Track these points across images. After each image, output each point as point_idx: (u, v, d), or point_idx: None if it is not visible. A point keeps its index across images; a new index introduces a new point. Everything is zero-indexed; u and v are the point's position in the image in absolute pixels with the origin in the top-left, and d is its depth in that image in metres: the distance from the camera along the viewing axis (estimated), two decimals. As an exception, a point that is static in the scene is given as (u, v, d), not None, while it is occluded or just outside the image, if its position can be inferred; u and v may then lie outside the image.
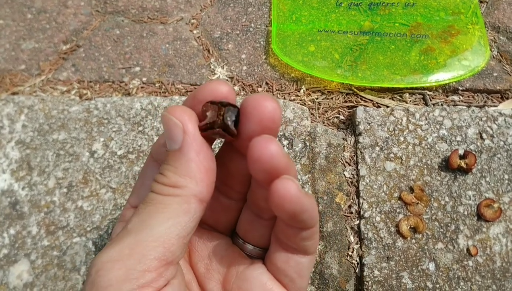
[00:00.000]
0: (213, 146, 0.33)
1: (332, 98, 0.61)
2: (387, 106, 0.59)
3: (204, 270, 0.40)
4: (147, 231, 0.30)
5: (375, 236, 0.51)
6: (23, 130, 0.57)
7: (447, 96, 0.61)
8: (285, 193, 0.30)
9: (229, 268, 0.41)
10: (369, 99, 0.61)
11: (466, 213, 0.52)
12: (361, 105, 0.60)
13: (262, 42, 0.66)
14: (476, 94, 0.61)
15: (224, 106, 0.30)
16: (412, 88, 0.61)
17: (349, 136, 0.58)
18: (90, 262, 0.49)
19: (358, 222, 0.52)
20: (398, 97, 0.61)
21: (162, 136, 0.37)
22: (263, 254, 0.40)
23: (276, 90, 0.62)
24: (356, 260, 0.51)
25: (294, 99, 0.61)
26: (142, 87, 0.63)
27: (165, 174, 0.32)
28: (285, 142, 0.55)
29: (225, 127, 0.30)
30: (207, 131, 0.30)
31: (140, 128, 0.57)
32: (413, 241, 0.51)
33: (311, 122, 0.58)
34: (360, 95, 0.61)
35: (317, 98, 0.61)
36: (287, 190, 0.30)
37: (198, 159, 0.31)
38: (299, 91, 0.62)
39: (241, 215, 0.42)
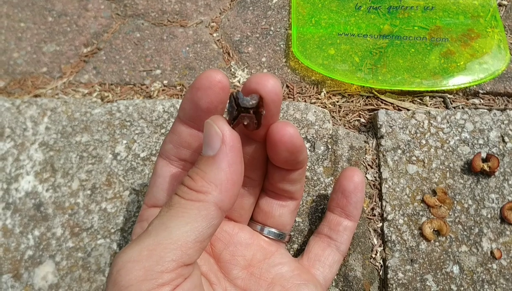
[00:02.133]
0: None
1: (352, 101, 0.62)
2: (408, 109, 0.60)
3: (230, 257, 0.42)
4: (166, 233, 0.31)
5: (399, 238, 0.51)
6: (46, 133, 0.58)
7: (467, 99, 0.61)
8: (286, 132, 0.36)
9: (255, 253, 0.42)
10: (389, 102, 0.61)
11: (489, 216, 0.52)
12: (381, 108, 0.60)
13: (282, 45, 0.66)
14: (496, 98, 0.61)
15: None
16: (432, 91, 0.61)
17: (371, 139, 0.58)
18: (112, 259, 0.49)
19: (381, 224, 0.53)
20: (418, 100, 0.61)
21: (170, 135, 0.38)
22: (284, 236, 0.45)
23: (297, 93, 0.62)
24: (380, 263, 0.51)
25: (314, 102, 0.61)
26: (163, 90, 0.63)
27: (193, 177, 0.33)
28: (308, 145, 0.56)
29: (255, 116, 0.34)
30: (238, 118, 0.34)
31: (163, 130, 0.57)
32: (437, 243, 0.51)
33: (333, 125, 0.59)
34: (381, 98, 0.61)
35: (337, 101, 0.62)
36: (288, 130, 0.36)
37: (229, 170, 0.33)
38: (319, 94, 0.62)
39: (258, 201, 0.44)
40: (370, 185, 0.55)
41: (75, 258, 0.51)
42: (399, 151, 0.55)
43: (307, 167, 0.54)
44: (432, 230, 0.51)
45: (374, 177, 0.55)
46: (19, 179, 0.55)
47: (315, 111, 0.58)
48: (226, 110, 0.36)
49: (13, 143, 0.57)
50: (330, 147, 0.56)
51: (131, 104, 0.60)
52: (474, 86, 0.62)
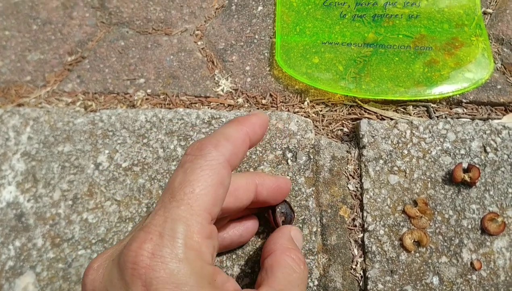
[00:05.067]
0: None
1: (336, 110, 0.62)
2: (391, 119, 0.60)
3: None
4: None
5: (379, 249, 0.51)
6: (28, 142, 0.58)
7: (451, 108, 0.61)
8: None
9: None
10: (373, 112, 0.61)
11: (470, 226, 0.52)
12: (365, 117, 0.60)
13: (266, 54, 0.66)
14: (480, 107, 0.61)
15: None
16: (416, 100, 0.61)
17: (353, 149, 0.58)
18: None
19: (362, 235, 0.53)
20: (402, 109, 0.61)
21: None
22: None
23: (280, 102, 0.62)
24: (360, 274, 0.51)
25: (298, 111, 0.61)
26: (146, 99, 0.63)
27: None
28: (289, 155, 0.56)
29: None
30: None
31: (145, 140, 0.57)
32: (417, 254, 0.51)
33: (315, 135, 0.59)
34: (364, 108, 0.61)
35: (321, 111, 0.62)
36: None
37: None
38: (303, 103, 0.62)
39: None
40: (351, 195, 0.55)
41: (55, 269, 0.51)
42: (381, 161, 0.55)
43: (289, 177, 0.54)
44: (412, 240, 0.51)
45: (356, 187, 0.55)
46: (1, 189, 0.55)
47: (297, 121, 0.58)
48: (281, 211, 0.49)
49: (-5, 153, 0.57)
50: (312, 157, 0.56)
51: (114, 114, 0.60)
52: (458, 96, 0.62)
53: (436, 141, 0.56)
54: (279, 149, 0.56)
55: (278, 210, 0.49)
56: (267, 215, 0.50)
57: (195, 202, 0.34)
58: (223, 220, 0.46)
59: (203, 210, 0.34)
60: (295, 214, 0.52)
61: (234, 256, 0.51)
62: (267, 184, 0.46)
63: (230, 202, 0.42)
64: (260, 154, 0.56)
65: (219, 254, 0.51)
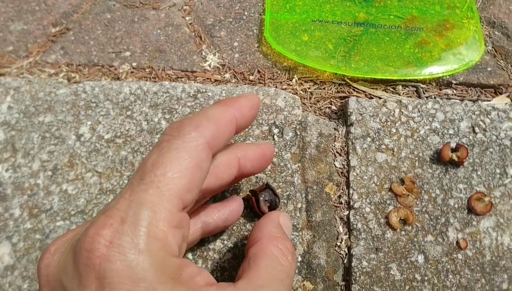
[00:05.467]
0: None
1: (324, 88, 0.61)
2: (380, 98, 0.59)
3: None
4: None
5: (364, 227, 0.50)
6: (8, 112, 0.56)
7: (440, 89, 0.61)
8: None
9: None
10: (362, 91, 0.60)
11: (456, 206, 0.51)
12: (353, 96, 0.59)
13: (255, 31, 0.65)
14: (469, 88, 0.61)
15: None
16: (405, 80, 0.61)
17: (341, 126, 0.57)
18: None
19: (347, 212, 0.52)
20: (391, 89, 0.61)
21: None
22: None
23: (268, 78, 0.61)
24: (345, 251, 0.50)
25: (286, 88, 0.60)
26: (132, 72, 0.62)
27: None
28: (276, 131, 0.55)
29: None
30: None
31: (129, 113, 0.56)
32: (403, 233, 0.50)
33: (303, 111, 0.58)
34: (353, 86, 0.61)
35: (309, 88, 0.61)
36: None
37: None
38: (291, 80, 0.61)
39: None
40: (338, 173, 0.54)
41: (32, 240, 0.49)
42: (369, 139, 0.54)
43: (275, 153, 0.53)
44: (398, 219, 0.50)
45: (342, 165, 0.54)
46: (-21, 159, 0.54)
47: (285, 97, 0.57)
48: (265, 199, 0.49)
49: (-27, 122, 0.56)
50: (298, 133, 0.55)
51: (98, 86, 0.58)
52: (448, 77, 0.61)
53: (425, 121, 0.55)
54: (265, 124, 0.55)
55: (261, 198, 0.48)
56: (251, 203, 0.49)
57: (166, 186, 0.31)
58: (203, 200, 0.43)
59: (174, 196, 0.31)
60: (280, 198, 0.51)
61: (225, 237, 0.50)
62: (250, 155, 0.43)
63: (211, 182, 0.39)
64: (246, 129, 0.55)
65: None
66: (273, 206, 0.49)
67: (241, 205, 0.47)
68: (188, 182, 0.32)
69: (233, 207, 0.46)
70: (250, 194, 0.49)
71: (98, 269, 0.28)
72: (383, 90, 0.60)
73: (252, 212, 0.50)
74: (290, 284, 0.37)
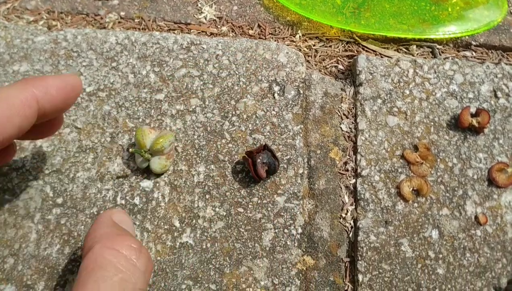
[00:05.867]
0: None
1: (331, 46, 0.55)
2: (391, 58, 0.53)
3: None
4: None
5: (373, 197, 0.45)
6: (-20, 59, 0.50)
7: (458, 51, 0.55)
8: None
9: None
10: (371, 50, 0.55)
11: (475, 177, 0.46)
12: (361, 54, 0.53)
13: (256, -18, 0.59)
14: (490, 51, 0.55)
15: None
16: (420, 40, 0.55)
17: (348, 87, 0.51)
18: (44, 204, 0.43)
19: (354, 180, 0.46)
20: (404, 49, 0.55)
21: None
22: None
23: (269, 34, 0.55)
24: (350, 223, 0.45)
25: (288, 45, 0.54)
26: (119, 22, 0.56)
27: None
28: (276, 88, 0.49)
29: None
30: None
31: (114, 64, 0.50)
32: (415, 204, 0.45)
33: (307, 69, 0.52)
34: (362, 45, 0.55)
35: (314, 45, 0.55)
36: None
37: None
38: (294, 36, 0.56)
39: None
40: (344, 137, 0.48)
41: (0, 200, 0.44)
42: (379, 101, 0.49)
43: (275, 113, 0.48)
44: (411, 189, 0.45)
45: (350, 128, 0.49)
46: None
47: (287, 53, 0.51)
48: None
49: None
50: (301, 92, 0.49)
51: (80, 34, 0.52)
52: (466, 37, 0.55)
53: (442, 83, 0.50)
54: (265, 81, 0.50)
55: (259, 160, 0.43)
56: (247, 166, 0.44)
57: None
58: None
59: None
60: (279, 162, 0.45)
61: (207, 196, 0.44)
62: (52, 92, 0.35)
63: (5, 130, 0.32)
64: (244, 85, 0.49)
65: (189, 193, 0.44)
66: (271, 170, 0.44)
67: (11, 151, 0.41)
68: None
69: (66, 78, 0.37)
70: (246, 155, 0.44)
71: None
72: (395, 50, 0.55)
73: (248, 176, 0.45)
74: (142, 289, 0.31)
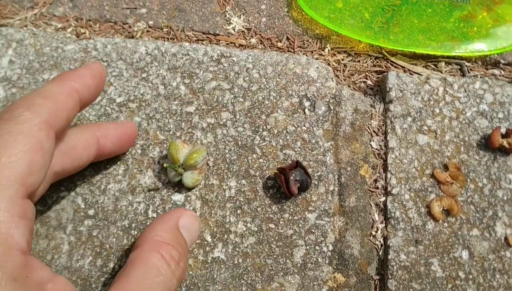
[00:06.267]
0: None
1: (359, 61, 0.55)
2: (420, 74, 0.53)
3: None
4: None
5: (403, 215, 0.45)
6: (9, 67, 0.50)
7: (486, 69, 0.55)
8: None
9: None
10: (400, 66, 0.55)
11: (505, 198, 0.46)
12: (391, 71, 0.53)
13: (284, -7, 0.59)
14: (519, 70, 0.55)
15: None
16: (448, 57, 0.55)
17: (378, 103, 0.51)
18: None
19: (384, 198, 0.46)
20: (432, 66, 0.55)
21: None
22: None
23: (298, 46, 0.55)
24: (380, 241, 0.45)
25: (317, 58, 0.55)
26: (147, 31, 0.56)
27: None
28: (307, 103, 0.49)
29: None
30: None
31: (144, 75, 0.50)
32: (445, 224, 0.45)
33: (336, 84, 0.52)
34: (391, 61, 0.55)
35: (342, 60, 0.55)
36: None
37: None
38: (323, 50, 0.56)
39: None
40: (374, 154, 0.48)
41: (32, 211, 0.44)
42: (409, 119, 0.49)
43: (305, 129, 0.48)
44: (441, 208, 0.45)
45: (379, 145, 0.49)
46: (-25, 117, 0.48)
47: (317, 67, 0.51)
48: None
49: (-30, 75, 0.50)
50: (332, 107, 0.49)
51: (110, 43, 0.52)
52: (495, 55, 0.55)
53: (472, 102, 0.50)
54: (295, 96, 0.50)
55: (292, 177, 0.43)
56: (279, 182, 0.44)
57: (1, 172, 0.28)
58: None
59: (13, 181, 0.28)
60: (311, 179, 0.45)
61: (239, 211, 0.44)
62: (111, 134, 0.41)
63: (67, 163, 0.37)
64: (274, 100, 0.49)
65: (220, 207, 0.44)
66: (303, 187, 0.44)
67: (132, 129, 0.45)
68: (28, 165, 0.29)
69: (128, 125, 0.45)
70: (278, 171, 0.44)
71: None
72: (423, 66, 0.55)
73: (279, 191, 0.45)
74: None
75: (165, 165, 0.43)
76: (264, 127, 0.48)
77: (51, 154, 0.32)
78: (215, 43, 0.55)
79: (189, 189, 0.45)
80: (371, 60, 0.55)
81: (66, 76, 0.35)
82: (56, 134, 0.33)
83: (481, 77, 0.54)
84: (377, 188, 0.47)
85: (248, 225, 0.44)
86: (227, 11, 0.58)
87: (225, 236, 0.43)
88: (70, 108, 0.34)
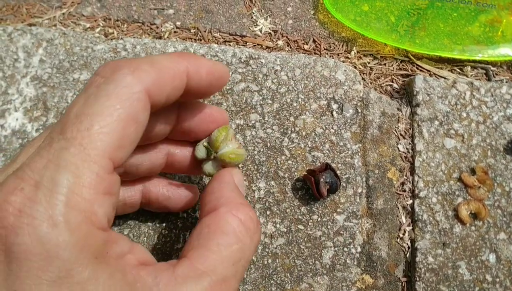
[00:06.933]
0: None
1: (385, 64, 0.55)
2: (446, 78, 0.53)
3: None
4: None
5: (431, 218, 0.45)
6: (40, 66, 0.51)
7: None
8: None
9: None
10: (426, 69, 0.55)
11: (532, 202, 0.46)
12: (417, 74, 0.54)
13: (310, -4, 0.60)
14: (544, 75, 0.56)
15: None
16: (474, 61, 0.55)
17: (404, 107, 0.52)
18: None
19: (411, 201, 0.47)
20: (458, 70, 0.55)
21: None
22: None
23: (324, 49, 0.56)
24: (408, 244, 0.45)
25: (343, 61, 0.55)
26: (175, 32, 0.56)
27: None
28: (335, 106, 0.49)
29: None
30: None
31: (173, 75, 0.51)
32: (473, 228, 0.45)
33: (363, 87, 0.52)
34: (417, 64, 0.55)
35: (369, 63, 0.55)
36: None
37: None
38: (349, 53, 0.56)
39: None
40: (401, 157, 0.49)
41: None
42: (436, 122, 0.49)
43: (333, 131, 0.48)
44: (469, 212, 0.46)
45: (407, 149, 0.49)
46: (6, 115, 0.48)
47: (345, 70, 0.52)
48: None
49: (1, 74, 0.50)
50: (360, 110, 0.50)
51: (139, 43, 0.53)
52: (520, 60, 0.56)
53: (499, 107, 0.50)
54: (323, 99, 0.50)
55: (322, 179, 0.43)
56: (309, 184, 0.44)
57: (91, 144, 0.26)
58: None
59: (102, 155, 0.26)
60: (341, 181, 0.46)
61: (268, 212, 0.45)
62: (202, 72, 0.33)
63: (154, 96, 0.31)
64: (303, 102, 0.50)
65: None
66: (333, 189, 0.44)
67: (196, 194, 0.40)
68: (119, 138, 0.27)
69: (183, 191, 0.40)
70: (307, 173, 0.45)
71: (5, 241, 0.23)
72: (449, 70, 0.55)
73: (308, 193, 0.46)
74: (246, 266, 0.31)
75: (204, 143, 0.39)
76: (293, 129, 0.48)
77: (143, 128, 0.29)
78: (242, 45, 0.56)
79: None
80: (397, 63, 0.55)
81: (184, 55, 0.32)
82: (151, 109, 0.30)
83: (507, 82, 0.54)
84: (404, 190, 0.47)
85: (277, 226, 0.44)
86: (253, 13, 0.58)
87: (255, 236, 0.44)
88: (175, 86, 0.31)
